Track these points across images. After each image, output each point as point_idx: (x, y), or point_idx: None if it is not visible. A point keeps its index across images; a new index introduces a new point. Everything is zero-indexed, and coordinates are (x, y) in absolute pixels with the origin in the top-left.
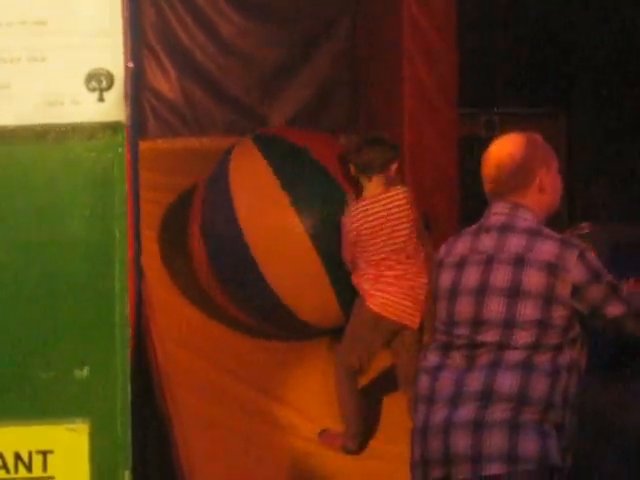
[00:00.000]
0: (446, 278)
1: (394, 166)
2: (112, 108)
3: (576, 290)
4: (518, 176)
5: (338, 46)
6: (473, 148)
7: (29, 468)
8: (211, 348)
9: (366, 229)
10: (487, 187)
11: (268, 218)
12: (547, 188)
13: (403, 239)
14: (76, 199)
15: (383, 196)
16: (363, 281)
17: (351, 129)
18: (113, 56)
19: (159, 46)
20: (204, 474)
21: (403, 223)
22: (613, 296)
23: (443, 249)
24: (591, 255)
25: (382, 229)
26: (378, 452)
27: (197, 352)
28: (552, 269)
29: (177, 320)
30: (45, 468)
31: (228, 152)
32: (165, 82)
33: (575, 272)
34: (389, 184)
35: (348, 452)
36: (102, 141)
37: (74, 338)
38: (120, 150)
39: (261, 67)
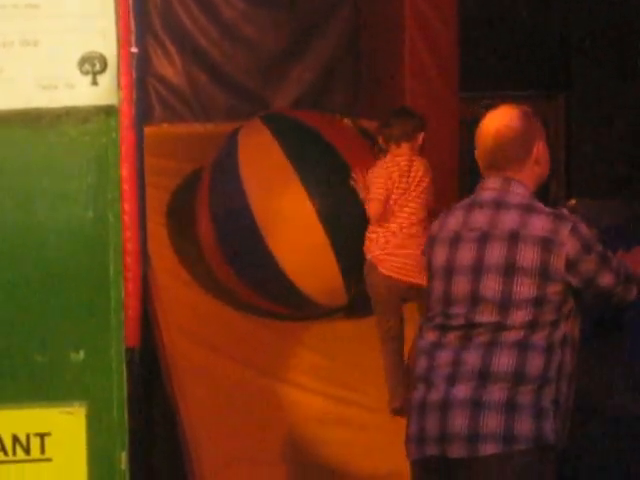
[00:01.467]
0: (440, 255)
1: (421, 136)
2: (106, 92)
3: (570, 264)
4: (517, 148)
5: (340, 30)
6: (474, 131)
7: (27, 450)
8: (217, 332)
9: (391, 179)
10: (483, 160)
11: (278, 197)
12: (541, 160)
13: (420, 201)
14: (70, 183)
15: (409, 160)
16: (374, 246)
17: (353, 112)
18: (106, 39)
19: (164, 32)
20: (209, 454)
21: (422, 188)
22: (604, 267)
23: (436, 225)
24: (583, 227)
25: (404, 186)
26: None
27: (203, 336)
28: (546, 244)
29: (183, 304)
30: (43, 450)
31: (235, 133)
32: (170, 68)
33: (569, 245)
34: (414, 153)
35: (395, 413)
36: (96, 125)
37: (69, 321)
38: (114, 134)
39: (264, 52)
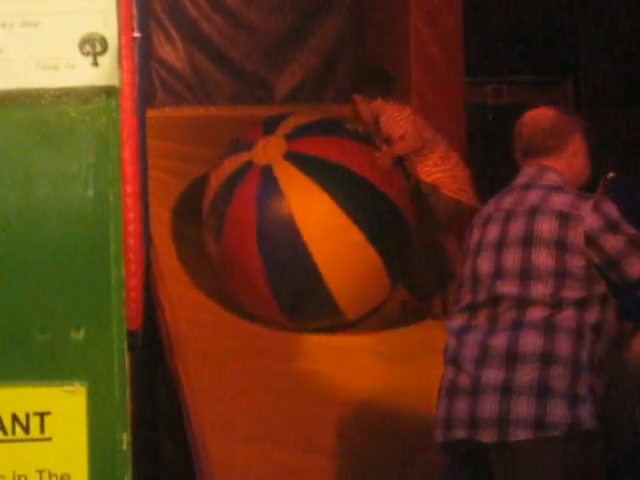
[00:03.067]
0: (473, 238)
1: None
2: (106, 72)
3: (590, 239)
4: (552, 135)
5: (344, 15)
6: (480, 116)
7: (26, 430)
8: (219, 312)
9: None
10: (520, 150)
11: (336, 241)
12: (580, 154)
13: None
14: (70, 163)
15: None
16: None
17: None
18: (107, 21)
19: (166, 17)
20: (214, 434)
21: None
22: (633, 251)
23: (476, 215)
24: (608, 205)
25: None
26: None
27: (205, 317)
28: (565, 217)
29: (185, 286)
30: (42, 430)
31: (268, 171)
32: (172, 52)
33: (588, 220)
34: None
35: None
36: (97, 105)
37: (70, 300)
38: (114, 115)
39: (267, 36)
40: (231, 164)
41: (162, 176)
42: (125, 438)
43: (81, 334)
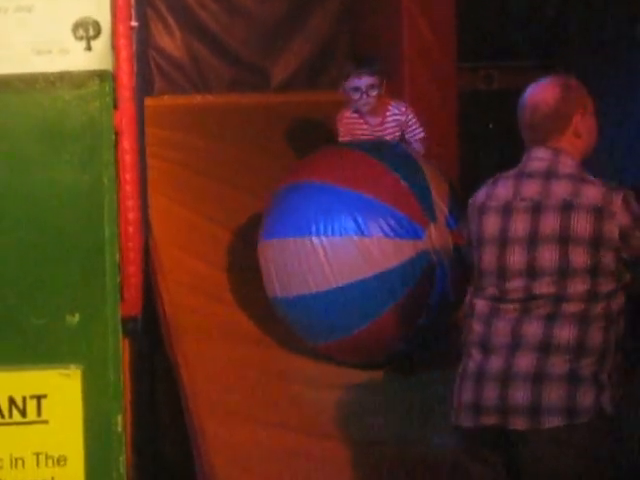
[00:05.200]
0: (492, 224)
1: None
2: (100, 57)
3: (622, 234)
4: (553, 121)
5: (339, 2)
6: (472, 102)
7: (23, 413)
8: (218, 301)
9: None
10: (524, 133)
11: None
12: (583, 132)
13: None
14: (64, 147)
15: None
16: None
17: None
18: (100, 5)
19: (164, 6)
20: (213, 415)
21: None
22: None
23: (483, 192)
24: (633, 199)
25: None
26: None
27: (205, 305)
28: (599, 212)
29: (185, 273)
30: (39, 413)
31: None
32: (170, 41)
33: (620, 216)
34: None
35: None
36: (90, 89)
37: (65, 285)
38: (108, 99)
39: (263, 24)
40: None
41: (160, 164)
42: (120, 420)
43: (76, 318)
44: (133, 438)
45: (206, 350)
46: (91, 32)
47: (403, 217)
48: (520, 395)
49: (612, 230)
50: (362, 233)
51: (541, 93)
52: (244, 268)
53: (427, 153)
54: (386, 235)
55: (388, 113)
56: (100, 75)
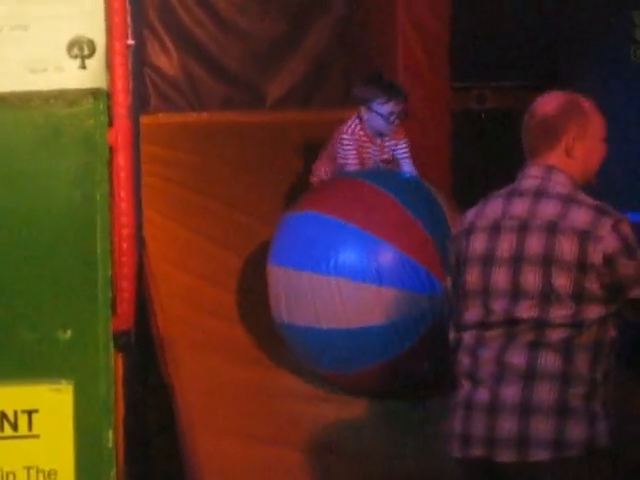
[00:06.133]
0: (479, 243)
1: None
2: (94, 75)
3: (607, 260)
4: (543, 131)
5: (333, 22)
6: (465, 122)
7: (14, 427)
8: (211, 316)
9: None
10: (524, 147)
11: None
12: (578, 155)
13: None
14: (58, 164)
15: None
16: None
17: (346, 103)
18: (94, 24)
19: (159, 24)
20: (204, 432)
21: None
22: None
23: (472, 212)
24: (627, 227)
25: None
26: None
27: (198, 320)
28: (585, 236)
29: (178, 289)
30: (30, 427)
31: None
32: (165, 59)
33: (607, 241)
34: None
35: None
36: (84, 107)
37: (57, 300)
38: (102, 117)
39: (259, 43)
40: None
41: (155, 181)
42: (110, 435)
43: (68, 334)
44: (125, 453)
45: (199, 365)
46: (86, 51)
47: (422, 270)
48: (507, 427)
49: (597, 255)
50: (380, 282)
51: (542, 101)
52: (238, 284)
53: (420, 172)
54: (404, 288)
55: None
56: (94, 93)
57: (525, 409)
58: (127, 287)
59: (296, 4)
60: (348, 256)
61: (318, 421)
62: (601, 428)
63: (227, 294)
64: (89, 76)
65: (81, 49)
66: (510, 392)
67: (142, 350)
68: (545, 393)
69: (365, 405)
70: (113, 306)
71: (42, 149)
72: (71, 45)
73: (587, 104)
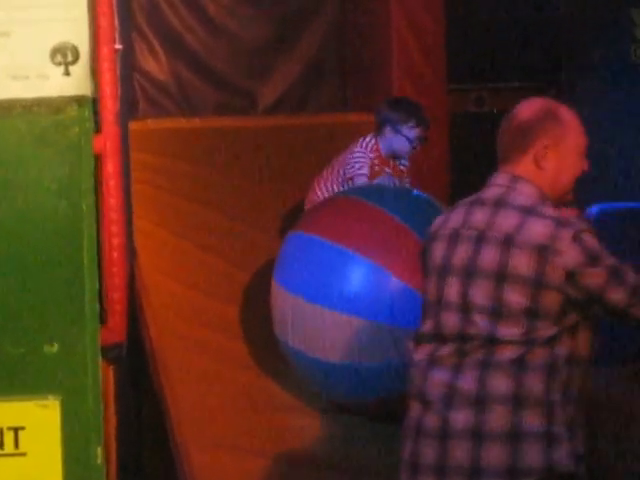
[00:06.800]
0: (438, 251)
1: None
2: (78, 82)
3: (570, 275)
4: (512, 136)
5: (327, 24)
6: (462, 124)
7: (0, 445)
8: (205, 325)
9: None
10: (497, 151)
11: None
12: (547, 166)
13: None
14: (43, 173)
15: None
16: None
17: (340, 106)
18: (78, 30)
19: (148, 28)
20: (197, 443)
21: None
22: (615, 282)
23: (438, 221)
24: (589, 236)
25: None
26: None
27: (190, 330)
28: (543, 251)
29: (170, 298)
30: (17, 445)
31: None
32: (155, 63)
33: (568, 255)
34: None
35: None
36: (68, 115)
37: (43, 314)
38: (87, 124)
39: (250, 47)
40: None
41: (145, 189)
42: (100, 452)
43: (55, 348)
44: (118, 468)
45: (191, 376)
46: (69, 57)
47: None
48: (458, 454)
49: (556, 270)
50: (394, 322)
51: (520, 106)
52: (232, 293)
53: (418, 177)
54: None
55: None
56: (79, 100)
57: (477, 435)
58: (118, 298)
59: (288, 7)
60: (363, 292)
61: (309, 434)
62: (562, 452)
63: (220, 304)
64: (73, 83)
65: (65, 56)
66: (460, 417)
67: (134, 362)
68: (496, 418)
69: (356, 418)
70: (104, 318)
71: (25, 158)
72: (54, 52)
73: (566, 113)
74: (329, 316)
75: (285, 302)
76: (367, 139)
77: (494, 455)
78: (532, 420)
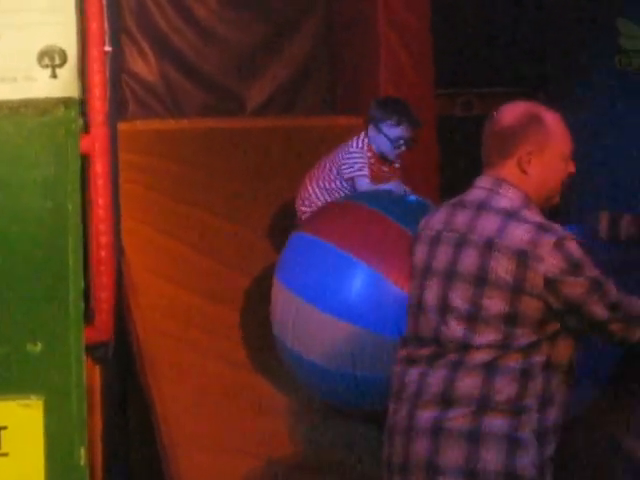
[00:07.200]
0: (421, 253)
1: None
2: (65, 84)
3: (549, 282)
4: (497, 139)
5: (315, 27)
6: (450, 128)
7: None
8: (195, 326)
9: None
10: (481, 154)
11: None
12: (532, 171)
13: None
14: (29, 174)
15: None
16: None
17: (328, 110)
18: (66, 33)
19: (137, 31)
20: (184, 445)
21: None
22: (595, 296)
23: (422, 222)
24: (572, 244)
25: None
26: None
27: (179, 331)
28: (523, 256)
29: (159, 298)
30: None
31: None
32: (144, 66)
33: (549, 262)
34: None
35: None
36: (55, 116)
37: (27, 313)
38: (73, 126)
39: (238, 50)
40: None
41: (134, 189)
42: (83, 453)
43: (38, 347)
44: (104, 469)
45: (179, 376)
46: (57, 60)
47: None
48: (420, 451)
49: (536, 277)
50: (393, 333)
51: (504, 109)
52: (221, 293)
53: (407, 180)
54: None
55: None
56: (65, 102)
57: (437, 432)
58: (106, 297)
59: (276, 10)
60: (369, 303)
61: (302, 436)
62: (526, 459)
63: (209, 303)
64: (60, 85)
65: (52, 59)
66: (425, 415)
67: (120, 362)
68: (459, 417)
69: (350, 422)
70: (91, 317)
71: (12, 159)
72: (41, 55)
73: (551, 117)
74: (327, 320)
75: (287, 302)
76: (361, 138)
77: (452, 454)
78: (495, 423)
